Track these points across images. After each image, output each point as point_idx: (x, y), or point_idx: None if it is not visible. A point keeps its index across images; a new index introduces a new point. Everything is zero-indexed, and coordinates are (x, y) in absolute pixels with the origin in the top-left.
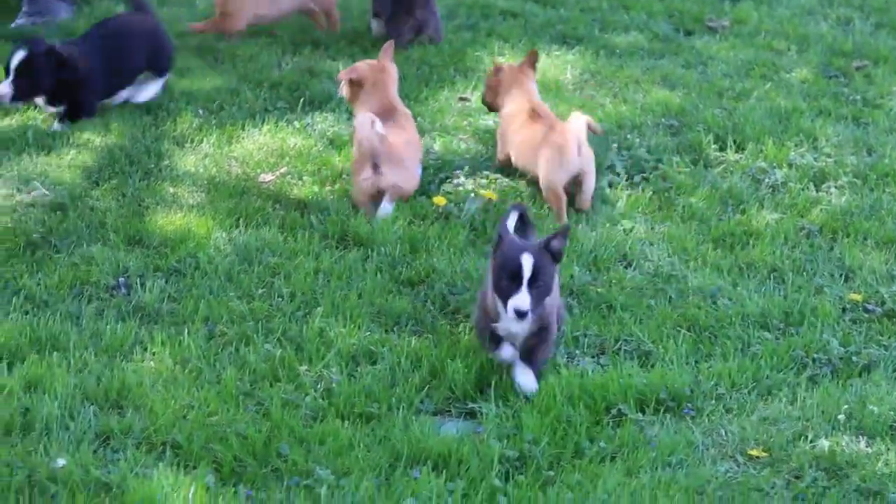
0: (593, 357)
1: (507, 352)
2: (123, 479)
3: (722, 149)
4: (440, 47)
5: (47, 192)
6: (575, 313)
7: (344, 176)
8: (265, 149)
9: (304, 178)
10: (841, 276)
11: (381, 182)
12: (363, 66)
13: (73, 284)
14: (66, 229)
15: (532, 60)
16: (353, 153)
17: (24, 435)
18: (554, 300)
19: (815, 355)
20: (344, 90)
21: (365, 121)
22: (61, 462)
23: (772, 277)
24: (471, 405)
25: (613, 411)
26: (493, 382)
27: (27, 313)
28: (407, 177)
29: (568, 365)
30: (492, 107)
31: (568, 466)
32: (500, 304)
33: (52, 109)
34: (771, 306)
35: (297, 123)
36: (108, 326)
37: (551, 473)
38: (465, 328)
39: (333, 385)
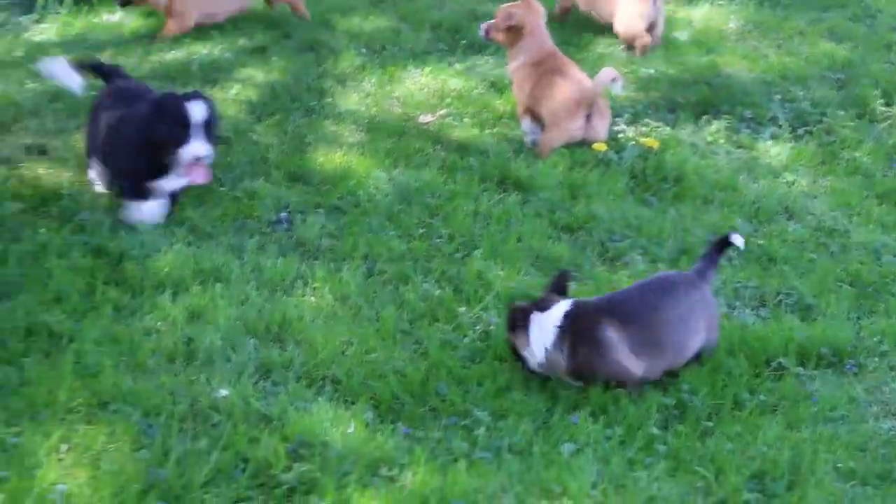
0: (753, 309)
1: None
2: (284, 412)
3: (888, 104)
4: None
5: None
6: (735, 265)
7: (504, 119)
8: (426, 90)
9: (465, 119)
10: None
11: (590, 133)
12: (518, 9)
13: (236, 218)
14: (229, 163)
15: None
16: (517, 97)
17: (186, 364)
18: None
19: None
20: (499, 36)
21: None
22: (223, 392)
23: None
24: None
25: (774, 364)
26: None
27: (190, 245)
28: (606, 130)
29: (728, 316)
30: None
31: (727, 417)
32: None
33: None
34: None
35: (457, 65)
36: (270, 261)
37: (710, 424)
38: (624, 276)
39: (492, 327)
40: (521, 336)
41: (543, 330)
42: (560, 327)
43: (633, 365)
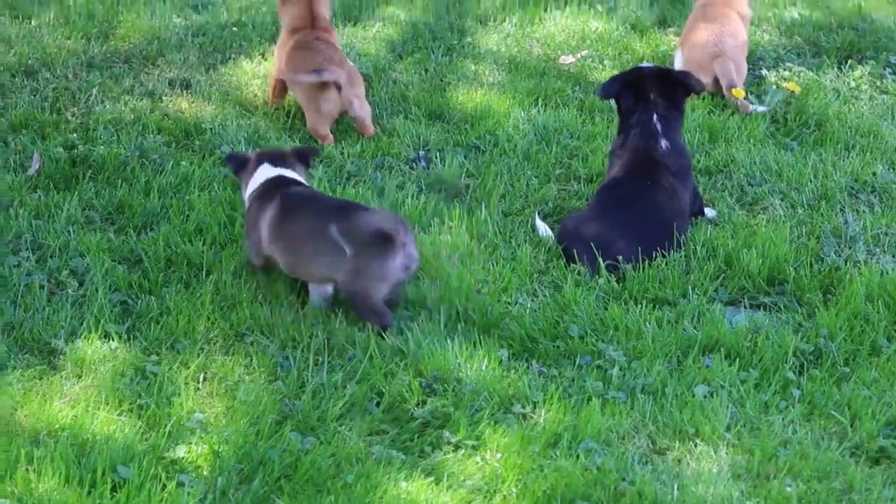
0: (894, 256)
1: None
2: (418, 347)
3: None
4: None
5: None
6: (876, 212)
7: (645, 60)
8: (567, 31)
9: (605, 62)
10: None
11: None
12: None
13: (375, 154)
14: (370, 101)
15: None
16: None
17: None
18: None
19: None
20: None
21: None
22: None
23: None
24: (763, 299)
25: None
26: (789, 276)
27: (330, 181)
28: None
29: (867, 262)
30: None
31: (864, 364)
32: None
33: None
34: None
35: (599, 7)
36: (408, 199)
37: (846, 370)
38: (763, 220)
39: (627, 268)
40: (244, 177)
41: (253, 182)
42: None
43: (268, 249)
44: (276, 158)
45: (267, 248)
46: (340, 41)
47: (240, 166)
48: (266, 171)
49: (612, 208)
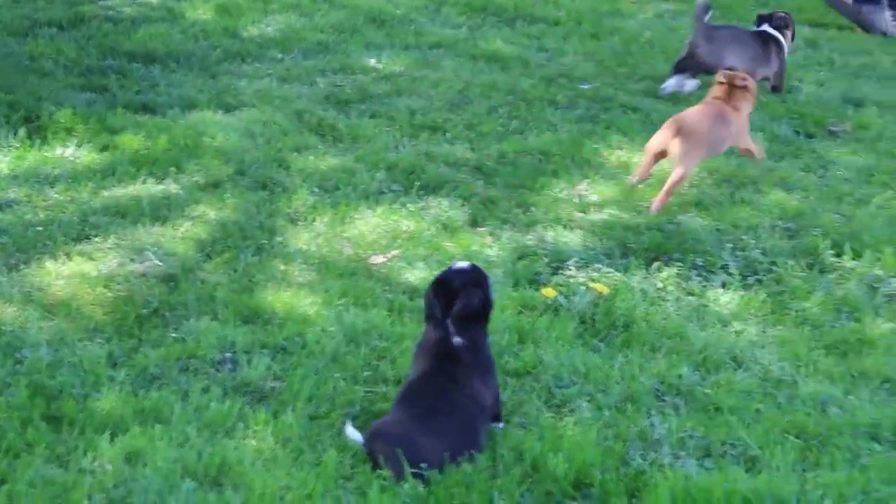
0: (698, 459)
1: None
2: None
3: (838, 255)
4: (559, 137)
5: (159, 263)
6: (681, 414)
7: (455, 260)
8: (378, 230)
9: (415, 262)
10: None
11: None
12: None
13: (180, 357)
14: (176, 301)
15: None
16: None
17: None
18: None
19: None
20: None
21: None
22: None
23: (884, 388)
24: (569, 503)
25: None
26: (596, 480)
27: (133, 385)
28: None
29: (673, 466)
30: None
31: None
32: None
33: None
34: (882, 417)
35: (410, 206)
36: (213, 402)
37: None
38: (570, 423)
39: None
40: None
41: None
42: None
43: None
44: None
45: None
46: (148, 240)
47: None
48: None
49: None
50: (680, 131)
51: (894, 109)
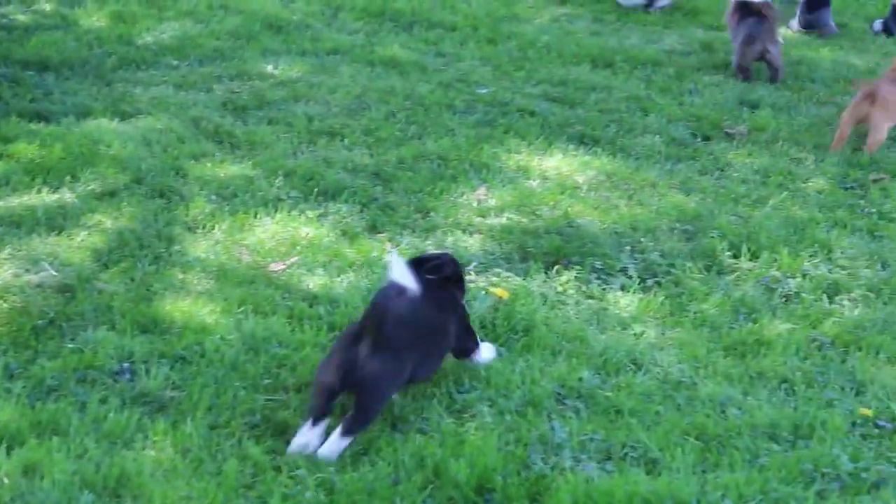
0: (599, 463)
1: None
2: None
3: (736, 256)
4: (457, 142)
5: (55, 273)
6: (582, 417)
7: (354, 267)
8: (277, 237)
9: (315, 269)
10: (852, 389)
11: None
12: None
13: (78, 368)
14: (72, 312)
15: None
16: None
17: None
18: None
19: (825, 470)
20: None
21: None
22: None
23: (782, 388)
24: None
25: None
26: (497, 485)
27: (29, 396)
28: None
29: (574, 469)
30: None
31: None
32: None
33: None
34: (780, 418)
35: (309, 213)
36: (111, 413)
37: None
38: (472, 428)
39: (335, 481)
40: None
41: None
42: None
43: None
44: None
45: None
46: (43, 250)
47: None
48: None
49: None
50: (875, 99)
51: (789, 111)
